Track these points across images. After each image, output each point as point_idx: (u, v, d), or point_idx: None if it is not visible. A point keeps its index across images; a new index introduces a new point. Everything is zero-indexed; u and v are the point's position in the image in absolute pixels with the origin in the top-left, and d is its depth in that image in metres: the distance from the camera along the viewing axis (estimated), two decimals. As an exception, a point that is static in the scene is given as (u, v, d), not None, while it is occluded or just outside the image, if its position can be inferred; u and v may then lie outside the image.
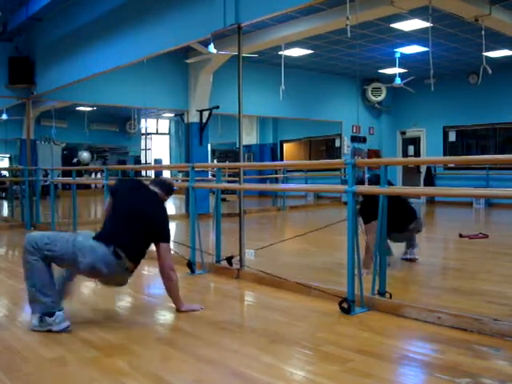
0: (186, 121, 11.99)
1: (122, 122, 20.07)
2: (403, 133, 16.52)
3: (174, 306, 3.94)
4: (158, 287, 4.52)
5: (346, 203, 4.04)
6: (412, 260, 5.80)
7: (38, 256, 3.41)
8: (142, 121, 20.23)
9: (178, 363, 2.96)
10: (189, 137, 11.83)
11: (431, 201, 14.71)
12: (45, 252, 3.42)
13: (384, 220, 4.05)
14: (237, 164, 6.98)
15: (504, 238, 8.34)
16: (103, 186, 7.22)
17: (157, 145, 22.06)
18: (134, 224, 3.66)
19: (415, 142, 16.27)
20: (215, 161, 19.29)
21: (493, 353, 3.06)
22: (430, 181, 15.22)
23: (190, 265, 5.45)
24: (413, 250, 5.85)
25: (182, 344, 3.30)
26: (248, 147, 18.80)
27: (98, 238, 3.57)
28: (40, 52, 10.12)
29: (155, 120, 21.66)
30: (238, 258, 5.36)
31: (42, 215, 10.13)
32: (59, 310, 3.46)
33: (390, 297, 4.03)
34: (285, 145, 19.22)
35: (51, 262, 3.49)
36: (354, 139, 15.33)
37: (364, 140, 15.69)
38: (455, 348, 3.12)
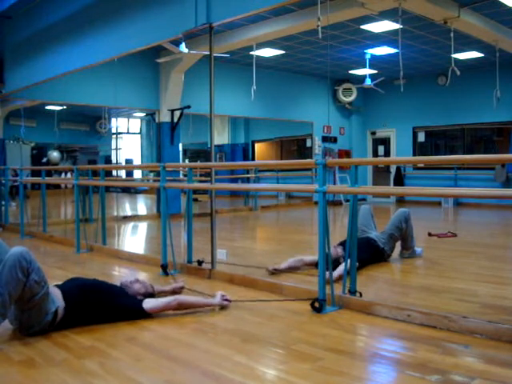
0: (157, 120, 11.93)
1: (92, 121, 19.84)
2: (373, 133, 16.67)
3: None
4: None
5: (317, 203, 4.06)
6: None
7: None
8: (113, 120, 20.03)
9: (149, 364, 2.94)
10: (160, 136, 11.78)
11: (401, 200, 14.86)
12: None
13: (355, 224, 4.09)
14: (208, 164, 6.97)
15: (472, 236, 8.47)
16: (73, 186, 7.14)
17: (128, 144, 21.86)
18: None
19: (385, 142, 16.44)
20: (186, 160, 19.17)
21: (462, 350, 3.10)
22: (399, 180, 15.40)
23: (165, 267, 5.42)
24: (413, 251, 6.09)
25: (153, 345, 3.28)
26: (219, 147, 18.77)
27: None
28: (9, 50, 9.96)
29: (126, 119, 21.45)
30: (210, 259, 5.36)
31: (11, 216, 10.00)
32: None
33: (361, 295, 4.06)
34: (256, 145, 19.23)
35: None
36: (324, 139, 15.41)
37: (335, 140, 15.79)
38: (425, 345, 3.16)
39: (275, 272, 5.24)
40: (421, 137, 15.51)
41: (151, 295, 4.05)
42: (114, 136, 20.52)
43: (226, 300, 4.10)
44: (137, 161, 21.71)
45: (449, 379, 2.66)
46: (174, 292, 4.43)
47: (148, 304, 3.79)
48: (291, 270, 5.35)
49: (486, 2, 8.24)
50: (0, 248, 3.53)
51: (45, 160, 19.00)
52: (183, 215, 5.88)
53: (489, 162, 12.74)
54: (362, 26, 9.71)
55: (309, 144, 16.11)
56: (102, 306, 3.64)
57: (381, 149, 16.47)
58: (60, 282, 3.79)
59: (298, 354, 3.07)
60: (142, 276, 5.49)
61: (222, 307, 4.06)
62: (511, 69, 12.29)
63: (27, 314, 3.35)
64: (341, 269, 4.70)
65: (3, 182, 10.05)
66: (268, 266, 5.32)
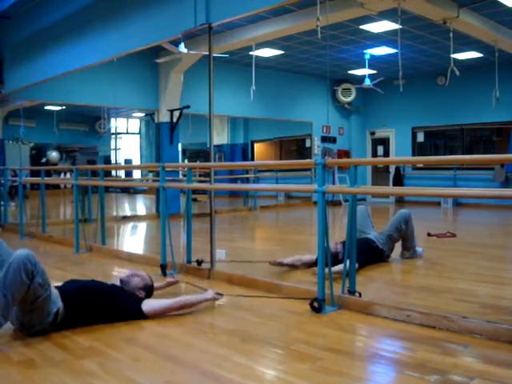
0: (156, 120, 11.93)
1: (91, 121, 19.82)
2: (373, 133, 16.67)
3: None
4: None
5: (316, 203, 4.06)
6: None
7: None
8: (112, 120, 20.02)
9: (148, 364, 2.94)
10: (159, 136, 11.78)
11: (400, 200, 14.87)
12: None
13: (354, 224, 4.09)
14: (208, 164, 6.96)
15: (471, 236, 8.46)
16: (72, 186, 7.14)
17: (127, 144, 21.84)
18: None
19: (384, 142, 16.44)
20: (186, 161, 19.17)
21: (461, 350, 3.10)
22: (398, 181, 15.40)
23: (163, 267, 5.42)
24: (414, 252, 6.08)
25: (152, 345, 3.28)
26: (219, 147, 18.77)
27: None
28: (8, 50, 9.96)
29: (125, 119, 21.43)
30: (209, 259, 5.36)
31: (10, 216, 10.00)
32: None
33: (360, 295, 4.06)
34: (256, 145, 19.23)
35: None
36: (324, 139, 15.41)
37: (334, 140, 15.79)
38: (424, 345, 3.16)
39: (279, 265, 5.32)
40: (420, 137, 15.51)
41: (151, 288, 4.03)
42: (114, 136, 20.49)
43: (218, 294, 4.13)
44: (136, 161, 21.69)
45: (448, 379, 2.66)
46: (169, 286, 4.52)
47: (147, 306, 3.76)
48: (293, 267, 5.40)
49: (485, 2, 8.24)
50: (1, 249, 3.52)
51: (44, 160, 18.98)
52: (182, 215, 5.87)
53: (488, 162, 12.74)
54: (362, 26, 9.71)
55: (308, 144, 16.11)
56: (100, 308, 3.62)
57: (380, 149, 16.48)
58: (59, 283, 3.78)
59: (297, 354, 3.07)
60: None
61: (216, 300, 4.11)
62: (510, 69, 12.29)
63: (29, 315, 3.35)
64: (341, 266, 4.73)
65: (2, 182, 10.04)
66: (271, 259, 5.41)
